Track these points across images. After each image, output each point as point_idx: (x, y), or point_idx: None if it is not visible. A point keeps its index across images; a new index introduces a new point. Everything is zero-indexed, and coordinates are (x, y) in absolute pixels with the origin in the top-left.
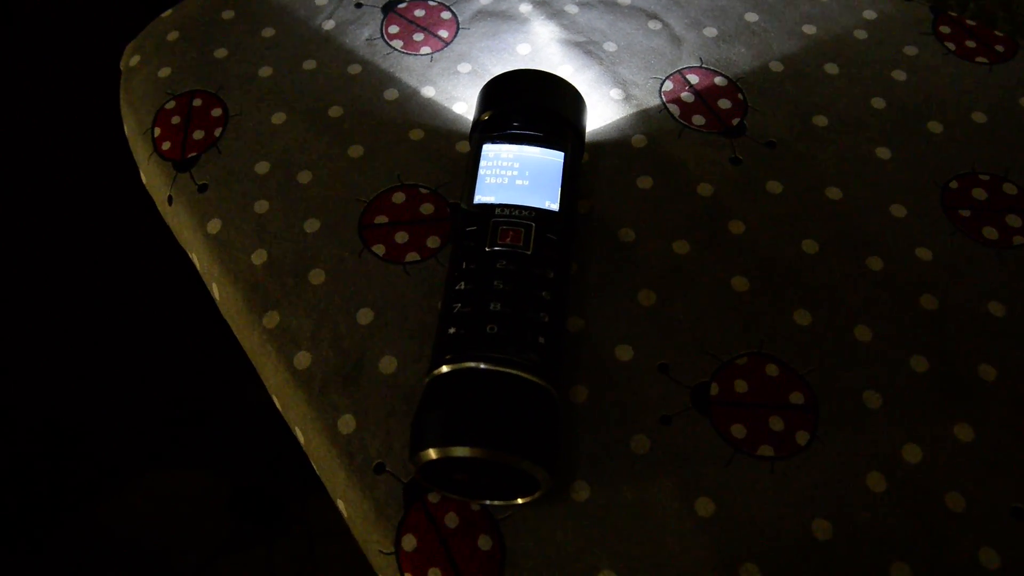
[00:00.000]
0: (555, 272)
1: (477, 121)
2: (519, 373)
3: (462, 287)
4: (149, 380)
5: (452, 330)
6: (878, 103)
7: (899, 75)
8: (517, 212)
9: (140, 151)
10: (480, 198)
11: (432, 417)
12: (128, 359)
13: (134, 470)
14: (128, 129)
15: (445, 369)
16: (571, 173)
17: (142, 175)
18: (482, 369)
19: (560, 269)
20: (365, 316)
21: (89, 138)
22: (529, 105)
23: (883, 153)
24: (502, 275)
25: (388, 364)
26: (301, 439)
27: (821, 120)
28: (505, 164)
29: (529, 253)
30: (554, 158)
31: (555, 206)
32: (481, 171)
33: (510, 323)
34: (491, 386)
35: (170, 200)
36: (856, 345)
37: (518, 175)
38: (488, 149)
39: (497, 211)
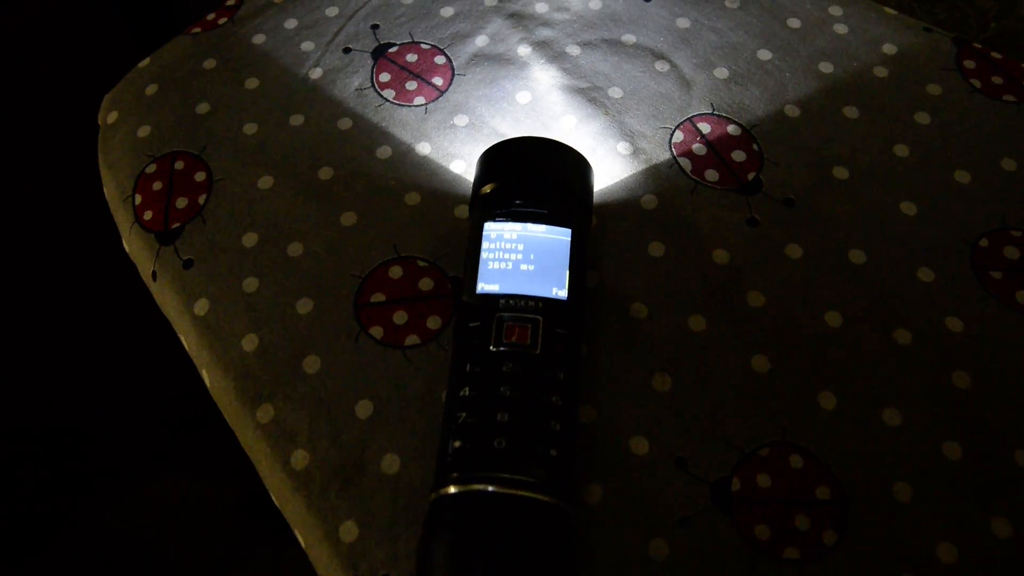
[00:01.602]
0: (565, 372)
1: (477, 195)
2: (529, 495)
3: (466, 393)
4: (155, 384)
5: (457, 443)
6: (901, 150)
7: (922, 118)
8: (523, 304)
9: (121, 219)
10: (483, 287)
11: (439, 547)
12: (134, 363)
13: (140, 476)
14: (108, 194)
15: (452, 490)
16: (579, 252)
17: (124, 244)
18: (490, 492)
19: (571, 368)
20: (364, 409)
21: (87, 144)
22: (532, 179)
23: (908, 208)
24: (509, 379)
25: (391, 463)
26: (301, 542)
27: (842, 172)
28: (508, 247)
29: (537, 353)
30: (560, 236)
31: (563, 293)
32: (483, 255)
33: (519, 436)
34: (500, 512)
35: (154, 276)
36: (885, 430)
37: (523, 259)
38: (490, 229)
39: (502, 303)
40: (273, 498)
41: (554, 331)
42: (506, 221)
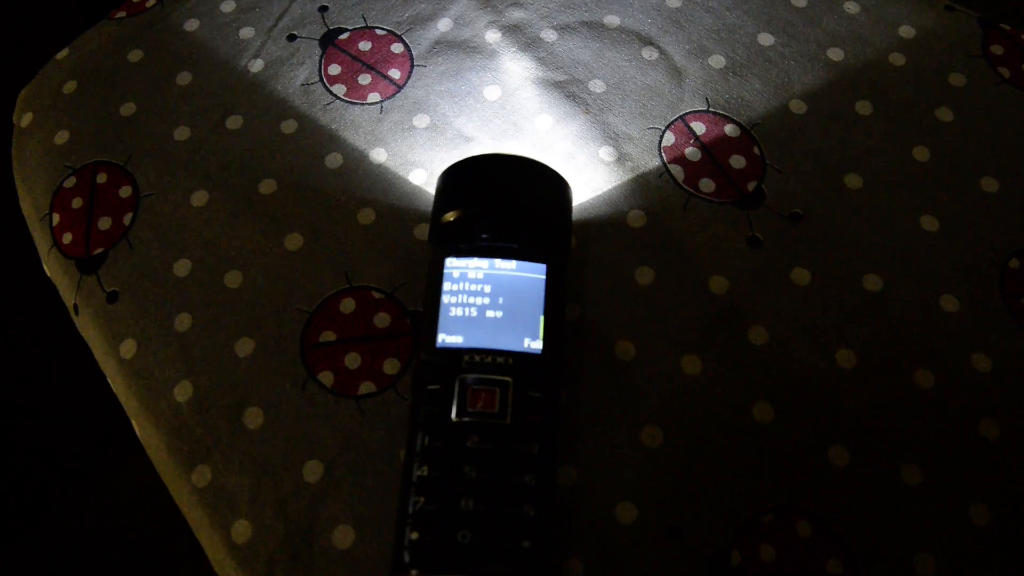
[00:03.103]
0: (540, 444)
1: (437, 223)
2: None
3: (424, 473)
4: None
5: (415, 535)
6: (921, 154)
7: (944, 114)
8: (490, 361)
9: (39, 240)
10: (444, 339)
11: None
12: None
13: (113, 455)
14: (24, 209)
15: None
16: (555, 293)
17: (45, 268)
18: None
19: (547, 439)
20: (313, 471)
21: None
22: (500, 207)
23: (929, 223)
24: (474, 457)
25: (344, 536)
26: None
27: (854, 180)
28: (474, 289)
29: (507, 423)
30: (534, 275)
31: (537, 345)
32: (444, 299)
33: (486, 526)
34: None
35: (76, 309)
36: (904, 491)
37: (490, 303)
38: (452, 266)
39: (465, 360)
40: (215, 569)
41: (527, 395)
42: (471, 256)
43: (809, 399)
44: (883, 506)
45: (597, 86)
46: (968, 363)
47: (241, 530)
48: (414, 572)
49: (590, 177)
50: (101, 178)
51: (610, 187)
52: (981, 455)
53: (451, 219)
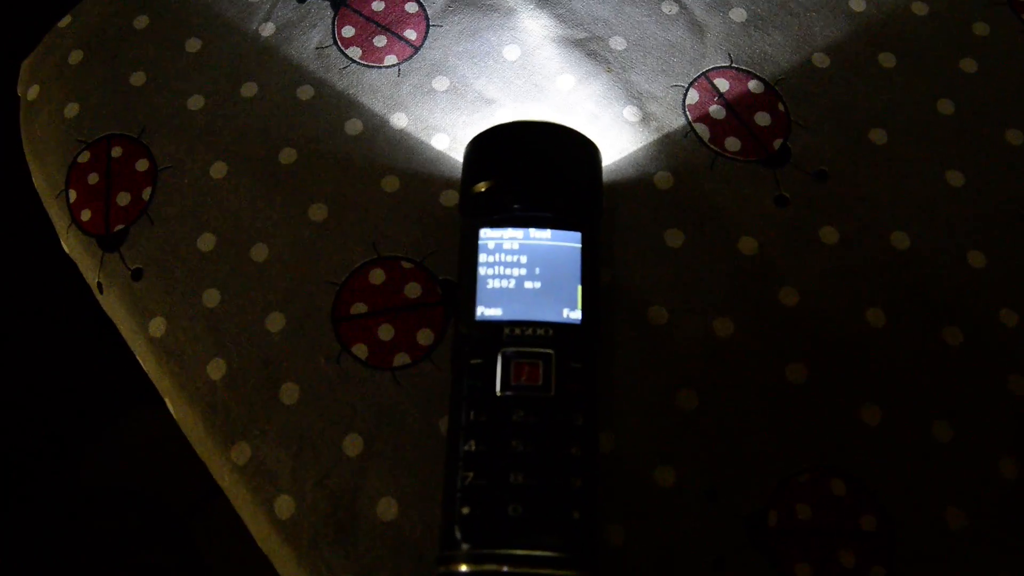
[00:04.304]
0: (584, 415)
1: (468, 194)
2: (552, 572)
3: (472, 448)
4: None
5: (466, 509)
6: (945, 107)
7: (968, 65)
8: (531, 333)
9: (56, 217)
10: (483, 312)
11: None
12: (85, 293)
13: (122, 408)
14: (37, 185)
15: (463, 568)
16: (591, 261)
17: (64, 246)
18: (506, 573)
19: (589, 409)
20: (353, 444)
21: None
22: (533, 176)
23: (954, 178)
24: (520, 431)
25: (387, 508)
26: None
27: (879, 135)
28: (510, 260)
29: (551, 395)
30: (570, 243)
31: (576, 315)
32: (481, 271)
33: (536, 499)
34: None
35: (100, 288)
36: (935, 447)
37: (527, 274)
38: (487, 237)
39: (506, 333)
40: (260, 545)
41: (569, 365)
42: (505, 227)
43: (841, 358)
44: (915, 462)
45: (618, 43)
46: (996, 318)
47: (284, 506)
48: (466, 547)
49: (615, 138)
50: (116, 152)
51: (636, 148)
52: (1010, 410)
53: (483, 189)
